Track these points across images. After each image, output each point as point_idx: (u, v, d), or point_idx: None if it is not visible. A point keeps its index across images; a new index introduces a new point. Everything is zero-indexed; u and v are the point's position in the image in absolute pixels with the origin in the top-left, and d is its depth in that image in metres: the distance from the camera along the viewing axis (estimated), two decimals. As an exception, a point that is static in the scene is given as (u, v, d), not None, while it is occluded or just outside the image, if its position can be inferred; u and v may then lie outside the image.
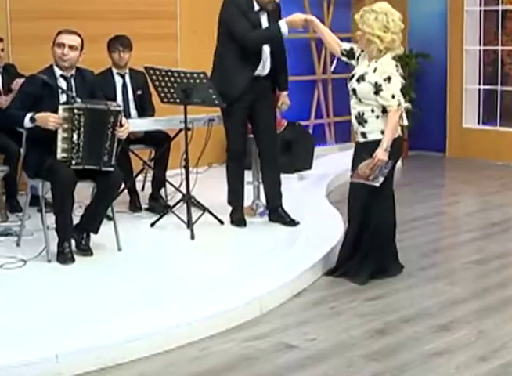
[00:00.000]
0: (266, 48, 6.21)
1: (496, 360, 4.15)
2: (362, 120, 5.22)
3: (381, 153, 5.09)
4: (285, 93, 6.52)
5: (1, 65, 6.96)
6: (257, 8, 6.15)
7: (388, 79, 5.12)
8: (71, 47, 5.53)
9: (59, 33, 5.59)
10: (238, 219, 6.41)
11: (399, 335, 4.50)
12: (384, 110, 5.16)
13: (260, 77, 6.25)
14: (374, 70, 5.16)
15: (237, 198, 6.47)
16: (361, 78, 5.19)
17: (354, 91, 5.22)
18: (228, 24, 6.12)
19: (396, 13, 5.18)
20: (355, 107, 5.26)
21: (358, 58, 5.38)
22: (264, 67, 6.25)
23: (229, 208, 6.56)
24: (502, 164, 9.67)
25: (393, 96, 5.12)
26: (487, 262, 5.92)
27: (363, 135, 5.26)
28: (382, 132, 5.16)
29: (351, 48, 5.43)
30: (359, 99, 5.21)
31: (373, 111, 5.19)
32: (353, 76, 5.28)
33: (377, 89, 5.13)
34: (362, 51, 5.33)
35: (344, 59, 5.50)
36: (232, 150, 6.42)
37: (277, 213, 6.48)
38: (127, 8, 8.16)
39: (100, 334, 4.21)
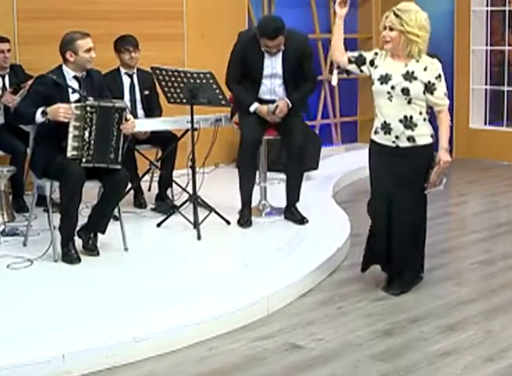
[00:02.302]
0: (270, 82, 6.34)
1: (504, 361, 4.15)
2: (410, 123, 4.98)
3: (445, 155, 4.96)
4: (285, 100, 6.30)
5: (8, 66, 6.97)
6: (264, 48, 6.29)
7: (439, 77, 5.01)
8: (94, 48, 5.58)
9: (78, 39, 5.52)
10: (244, 221, 6.40)
11: (406, 336, 4.50)
12: (427, 112, 5.05)
13: (275, 101, 6.34)
14: (425, 69, 4.98)
15: (245, 194, 6.47)
16: (411, 77, 4.97)
17: (405, 91, 4.96)
18: (229, 60, 6.43)
19: (425, 13, 5.03)
20: (401, 110, 5.00)
21: (371, 62, 5.12)
22: (272, 94, 6.38)
23: (236, 208, 6.58)
24: (508, 165, 9.66)
25: (445, 94, 5.03)
26: (494, 262, 5.91)
27: (411, 139, 5.00)
28: (431, 136, 5.06)
29: (360, 55, 5.20)
30: (409, 100, 4.98)
31: (420, 113, 5.00)
32: (386, 76, 5.02)
33: (430, 88, 4.97)
34: (376, 54, 5.14)
35: (351, 66, 5.21)
36: (243, 139, 6.41)
37: (290, 211, 6.51)
38: (133, 8, 8.16)
39: (108, 333, 4.22)
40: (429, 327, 4.60)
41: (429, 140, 5.06)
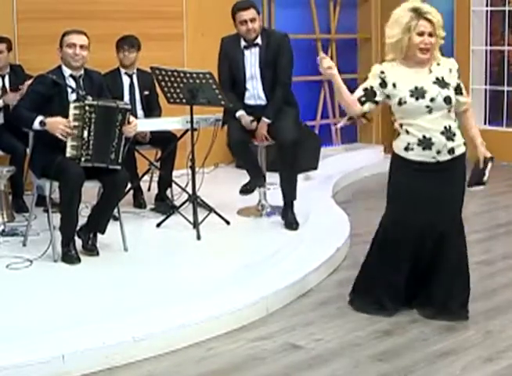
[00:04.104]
0: (252, 85, 6.40)
1: (503, 361, 4.14)
2: (451, 134, 4.51)
3: (487, 151, 4.69)
4: (262, 124, 6.37)
5: (7, 65, 6.96)
6: (243, 44, 6.38)
7: (459, 75, 4.62)
8: (82, 46, 5.56)
9: (67, 33, 5.60)
10: (246, 188, 6.47)
11: (406, 336, 4.50)
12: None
13: (259, 106, 6.41)
14: (450, 71, 4.56)
15: (255, 172, 6.52)
16: (445, 84, 4.50)
17: (447, 99, 4.47)
18: (217, 69, 6.45)
19: None
20: (441, 121, 4.50)
21: (382, 84, 4.54)
22: (256, 99, 6.43)
23: (236, 208, 6.57)
24: (508, 165, 9.65)
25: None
26: (494, 262, 5.91)
27: (451, 151, 4.55)
28: (464, 144, 4.63)
29: (366, 88, 4.59)
30: (449, 109, 4.51)
31: (455, 121, 4.57)
32: (418, 90, 4.46)
33: (460, 89, 4.56)
34: (382, 72, 4.54)
35: (366, 107, 4.60)
36: (229, 141, 6.44)
37: (285, 211, 6.42)
38: (133, 8, 8.16)
39: (108, 333, 4.21)
40: (429, 328, 4.59)
41: (463, 149, 4.64)
